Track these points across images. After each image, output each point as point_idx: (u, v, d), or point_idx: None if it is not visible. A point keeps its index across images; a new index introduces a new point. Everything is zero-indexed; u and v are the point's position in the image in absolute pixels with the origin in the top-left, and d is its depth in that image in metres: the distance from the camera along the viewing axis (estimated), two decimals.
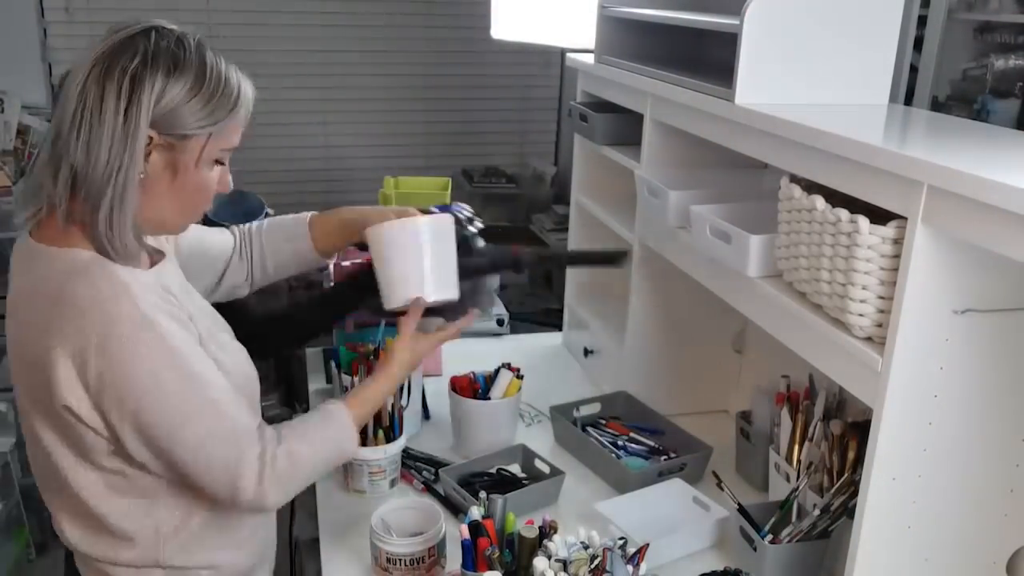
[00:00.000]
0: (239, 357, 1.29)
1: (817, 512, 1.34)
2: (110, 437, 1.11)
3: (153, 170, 1.14)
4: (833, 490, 1.35)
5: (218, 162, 1.20)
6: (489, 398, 1.73)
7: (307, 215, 1.54)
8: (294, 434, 1.21)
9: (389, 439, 1.59)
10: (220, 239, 1.51)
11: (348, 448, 1.28)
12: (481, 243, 1.51)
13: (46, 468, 1.18)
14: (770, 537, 1.34)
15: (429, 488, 1.63)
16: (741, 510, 1.41)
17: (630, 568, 1.21)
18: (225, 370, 1.19)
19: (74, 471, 1.15)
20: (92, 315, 1.07)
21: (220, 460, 1.14)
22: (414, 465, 1.68)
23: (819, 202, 1.17)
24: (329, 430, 1.25)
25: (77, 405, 1.08)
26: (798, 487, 1.40)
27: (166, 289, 1.20)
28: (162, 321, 1.11)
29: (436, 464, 1.68)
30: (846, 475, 1.35)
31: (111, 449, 1.13)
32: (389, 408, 1.60)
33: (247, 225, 1.55)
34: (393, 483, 1.62)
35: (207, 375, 1.15)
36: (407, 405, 1.72)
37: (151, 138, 1.11)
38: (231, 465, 1.14)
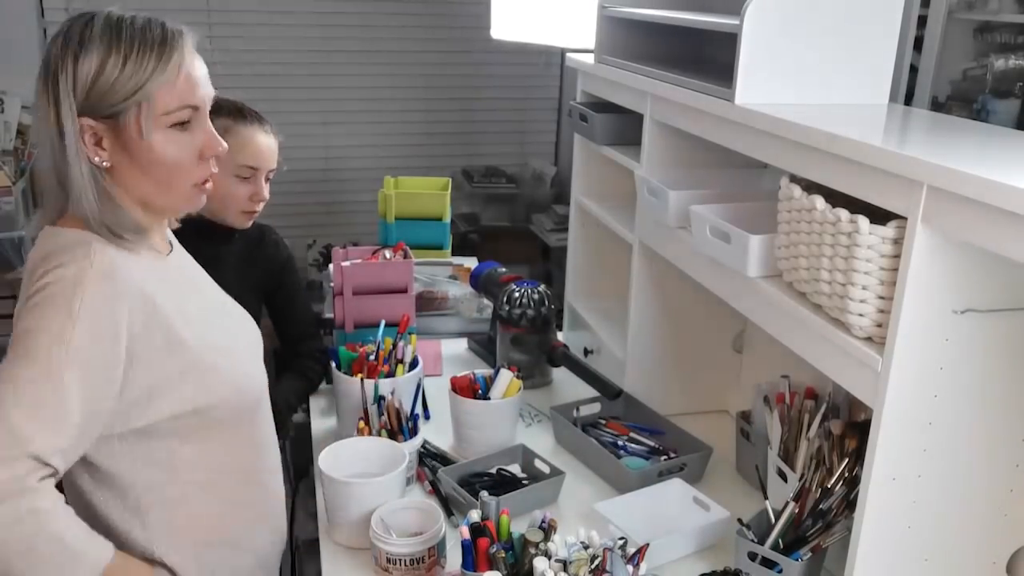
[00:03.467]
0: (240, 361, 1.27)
1: (822, 515, 1.34)
2: None
3: (112, 156, 1.12)
4: (833, 489, 1.35)
5: (178, 125, 1.12)
6: (489, 398, 1.73)
7: None
8: (61, 510, 1.04)
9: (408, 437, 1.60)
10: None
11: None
12: None
13: None
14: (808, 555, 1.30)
15: (436, 490, 1.61)
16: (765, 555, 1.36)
17: (630, 568, 1.21)
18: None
19: None
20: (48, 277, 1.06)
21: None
22: (431, 464, 1.67)
23: (819, 202, 1.17)
24: (73, 559, 1.04)
25: None
26: (794, 501, 1.39)
27: (173, 277, 1.20)
28: (97, 321, 1.05)
29: (448, 462, 1.67)
30: (846, 475, 1.35)
31: None
32: (408, 409, 1.61)
33: None
34: (410, 480, 1.61)
35: (70, 388, 1.02)
36: (413, 408, 1.70)
37: (90, 127, 1.09)
38: None
